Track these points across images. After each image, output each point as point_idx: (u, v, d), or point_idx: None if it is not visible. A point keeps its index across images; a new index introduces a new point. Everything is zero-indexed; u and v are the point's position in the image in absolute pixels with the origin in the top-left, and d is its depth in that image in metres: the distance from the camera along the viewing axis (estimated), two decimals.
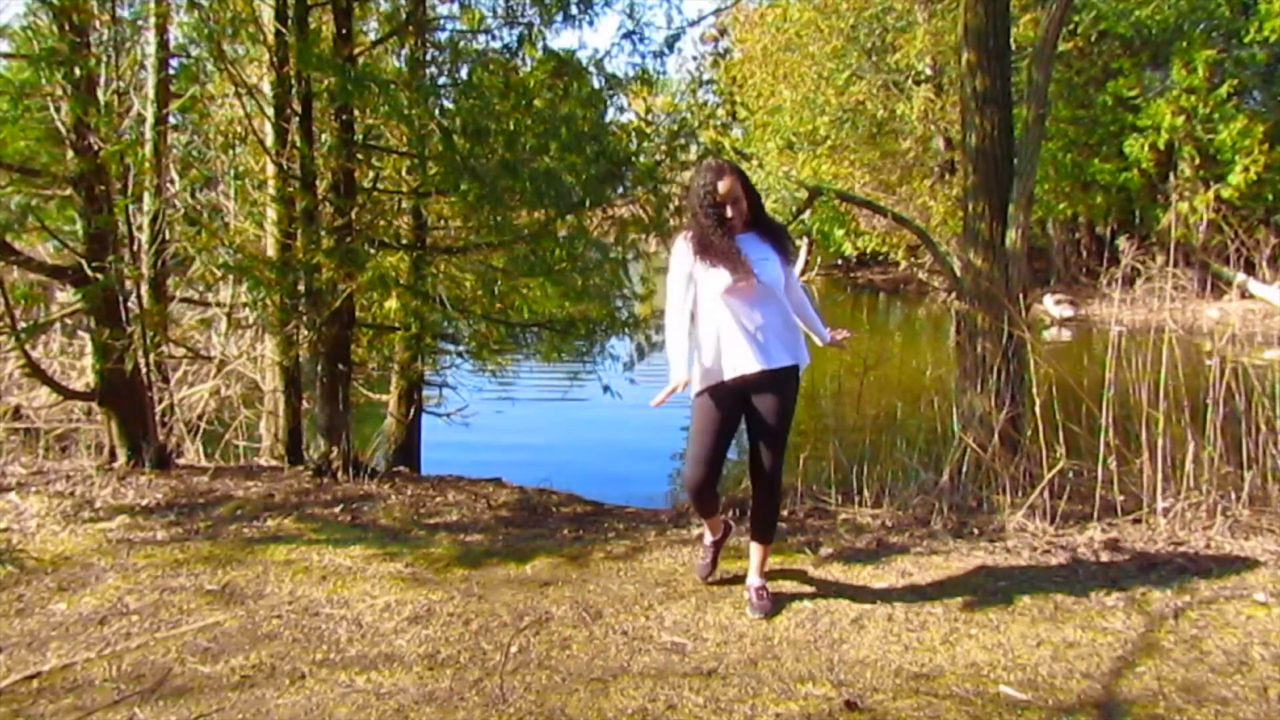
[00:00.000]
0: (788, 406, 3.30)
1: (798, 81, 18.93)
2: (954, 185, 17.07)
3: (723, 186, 3.21)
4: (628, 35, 5.91)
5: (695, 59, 28.73)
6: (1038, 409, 4.41)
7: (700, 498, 3.40)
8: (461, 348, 6.79)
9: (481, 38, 5.88)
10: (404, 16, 5.79)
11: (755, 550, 3.45)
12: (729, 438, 3.34)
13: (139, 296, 5.39)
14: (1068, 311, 16.51)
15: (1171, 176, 16.14)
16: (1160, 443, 4.14)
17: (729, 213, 3.22)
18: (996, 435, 4.63)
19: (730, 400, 3.27)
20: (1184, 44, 15.96)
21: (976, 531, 4.21)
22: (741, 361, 3.21)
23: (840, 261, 24.66)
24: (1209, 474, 4.10)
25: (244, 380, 6.92)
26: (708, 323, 3.25)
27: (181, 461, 5.76)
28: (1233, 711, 2.65)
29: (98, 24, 5.18)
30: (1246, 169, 15.44)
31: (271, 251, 5.45)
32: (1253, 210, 16.25)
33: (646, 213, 6.02)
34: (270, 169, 5.49)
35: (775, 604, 3.37)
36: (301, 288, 5.23)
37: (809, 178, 17.70)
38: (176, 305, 6.84)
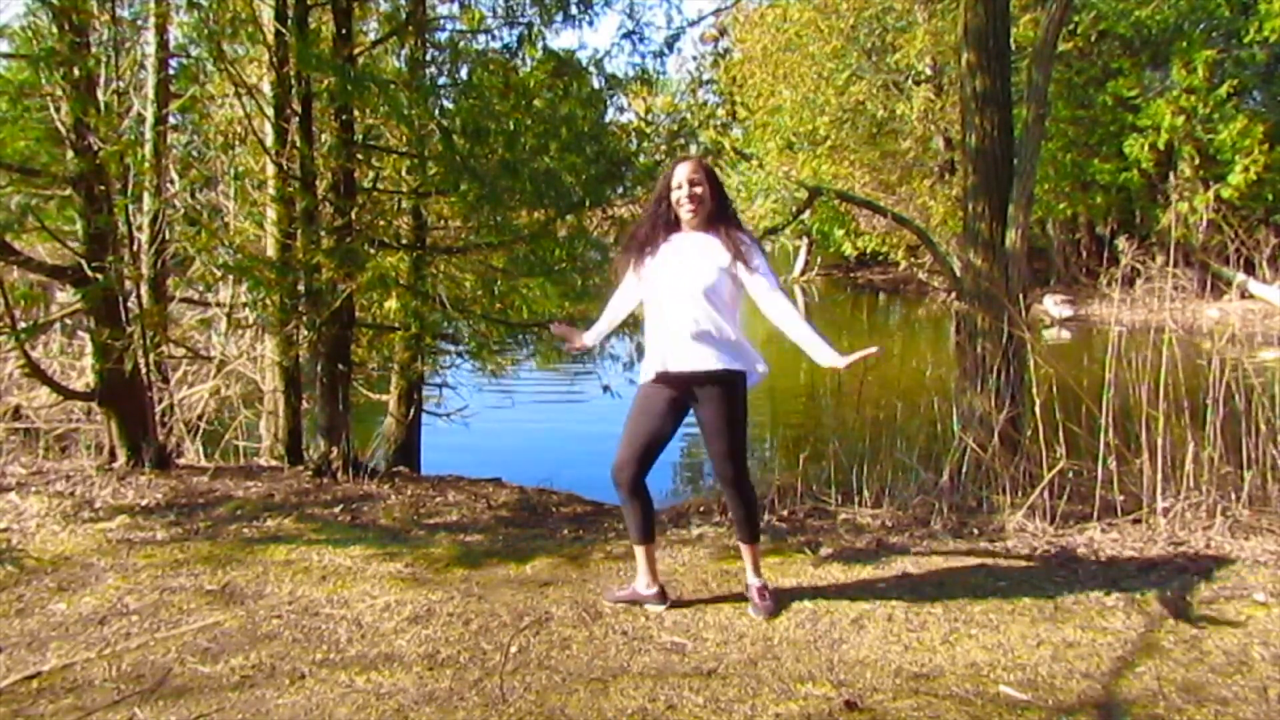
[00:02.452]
0: (727, 412, 3.20)
1: (798, 81, 18.92)
2: (954, 185, 17.06)
3: (683, 171, 3.24)
4: (628, 35, 5.92)
5: (695, 59, 28.64)
6: (1038, 409, 4.41)
7: (621, 484, 3.30)
8: (461, 348, 6.79)
9: (481, 38, 5.89)
10: (404, 16, 5.79)
11: (744, 551, 3.44)
12: (658, 431, 3.27)
13: (139, 296, 5.39)
14: (1068, 311, 16.51)
15: (1171, 176, 16.13)
16: (1160, 443, 4.14)
17: (686, 203, 3.22)
18: (996, 435, 4.63)
19: (660, 395, 3.26)
20: (1184, 44, 15.96)
21: (976, 531, 4.21)
22: (667, 359, 3.21)
23: (841, 262, 24.64)
24: (1209, 474, 4.09)
25: (244, 380, 6.92)
26: (647, 315, 3.31)
27: (181, 461, 5.76)
28: (1233, 711, 2.65)
29: (98, 24, 5.18)
30: (1246, 169, 15.44)
31: (271, 251, 5.45)
32: (1253, 210, 16.24)
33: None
34: (270, 169, 5.49)
35: (778, 604, 3.36)
36: (301, 288, 5.23)
37: (809, 178, 17.70)
38: (176, 305, 6.84)
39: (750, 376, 3.29)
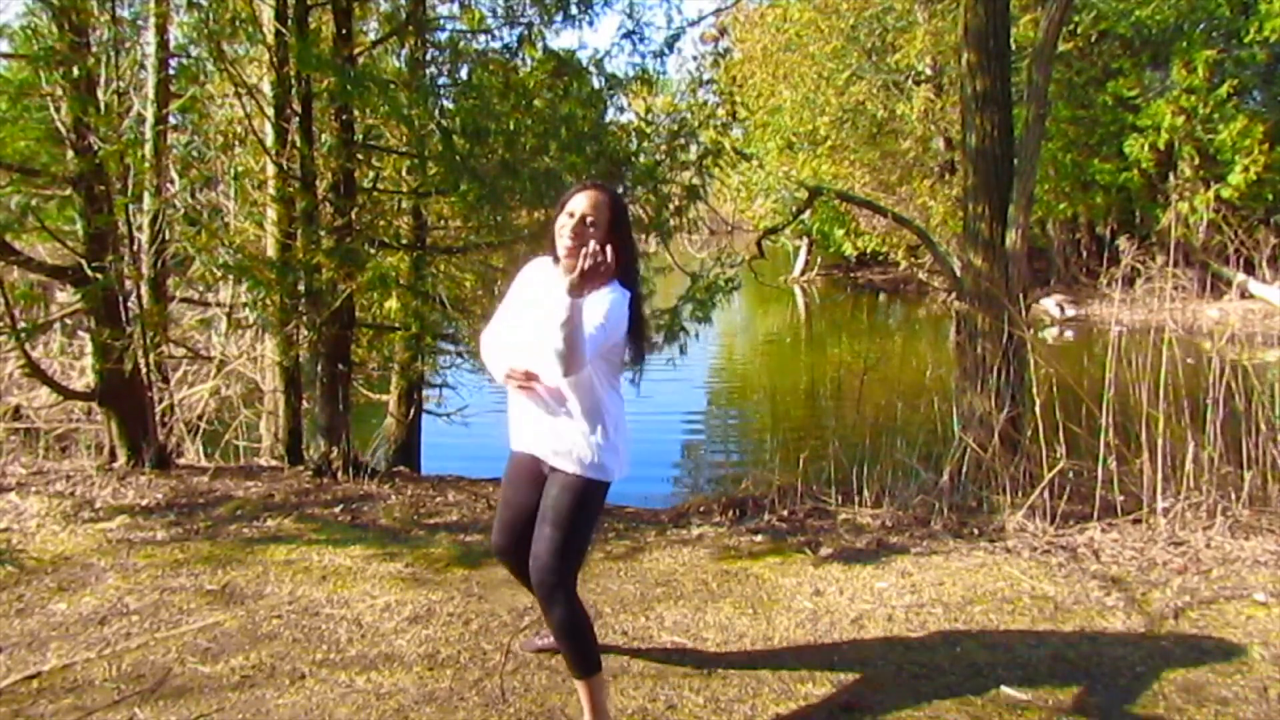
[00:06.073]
0: (556, 502, 2.52)
1: (798, 81, 18.91)
2: (954, 185, 17.05)
3: (581, 201, 2.50)
4: (628, 35, 5.92)
5: (695, 59, 28.60)
6: (1038, 409, 4.41)
7: (505, 566, 2.92)
8: (461, 348, 6.79)
9: (481, 38, 5.89)
10: (404, 16, 5.79)
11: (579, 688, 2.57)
12: (519, 510, 2.69)
13: (139, 296, 5.39)
14: (1068, 311, 16.50)
15: (1171, 176, 16.12)
16: (1160, 443, 4.14)
17: (567, 236, 2.49)
18: (996, 435, 4.63)
19: (516, 469, 2.72)
20: (1184, 44, 15.95)
21: (976, 531, 4.21)
22: (515, 435, 2.70)
23: (841, 262, 24.62)
24: (1209, 474, 4.09)
25: (244, 380, 6.92)
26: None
27: (181, 461, 5.76)
28: (1233, 711, 2.65)
29: (97, 24, 5.18)
30: (1246, 169, 15.42)
31: (271, 251, 5.45)
32: (1253, 210, 16.23)
33: (646, 213, 6.01)
34: (270, 169, 5.49)
35: None
36: (301, 288, 5.23)
37: (809, 178, 17.68)
38: (176, 305, 6.84)
39: (597, 475, 2.56)
